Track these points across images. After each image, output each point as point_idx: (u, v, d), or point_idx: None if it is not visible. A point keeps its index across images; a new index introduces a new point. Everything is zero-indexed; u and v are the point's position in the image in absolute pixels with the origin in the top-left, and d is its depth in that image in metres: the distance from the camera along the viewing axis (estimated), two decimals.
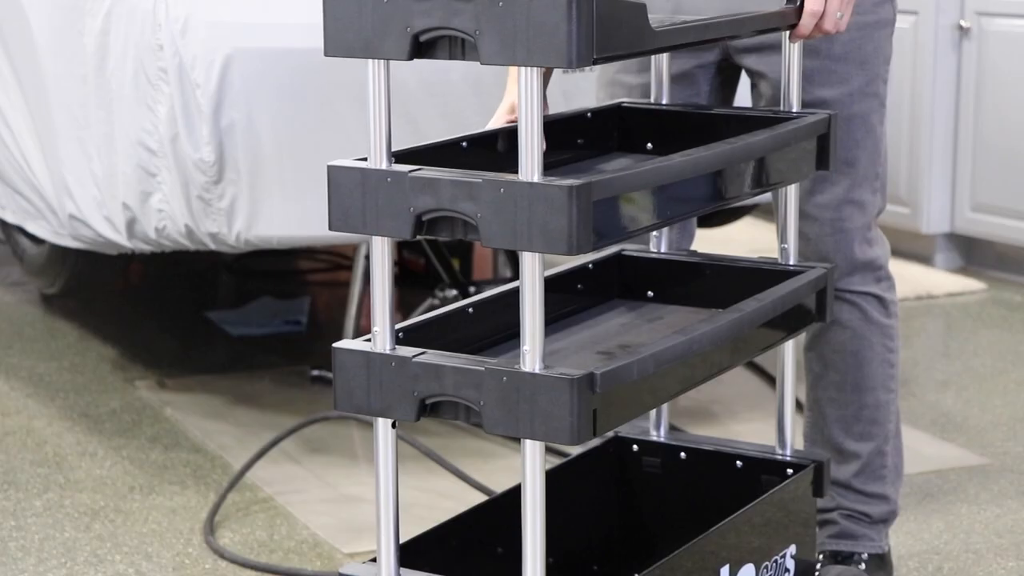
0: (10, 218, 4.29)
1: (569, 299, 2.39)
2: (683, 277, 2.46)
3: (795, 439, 2.52)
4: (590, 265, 2.43)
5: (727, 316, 2.14)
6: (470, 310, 2.18)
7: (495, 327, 2.19)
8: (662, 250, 2.51)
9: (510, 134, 2.17)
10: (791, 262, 2.44)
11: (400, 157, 2.00)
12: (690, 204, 2.12)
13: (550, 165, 1.86)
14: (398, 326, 2.01)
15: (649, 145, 2.44)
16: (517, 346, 1.87)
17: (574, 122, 2.40)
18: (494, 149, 2.22)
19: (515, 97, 2.30)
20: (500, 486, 3.07)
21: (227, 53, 3.33)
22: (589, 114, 2.42)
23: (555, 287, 2.32)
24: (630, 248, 2.52)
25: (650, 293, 2.46)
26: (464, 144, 2.19)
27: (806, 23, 2.32)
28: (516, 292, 1.92)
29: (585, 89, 3.39)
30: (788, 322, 2.32)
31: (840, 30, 2.35)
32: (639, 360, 1.94)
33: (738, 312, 2.16)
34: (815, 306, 2.39)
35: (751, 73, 2.63)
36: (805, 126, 2.31)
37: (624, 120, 2.47)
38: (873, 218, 2.67)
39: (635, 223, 1.95)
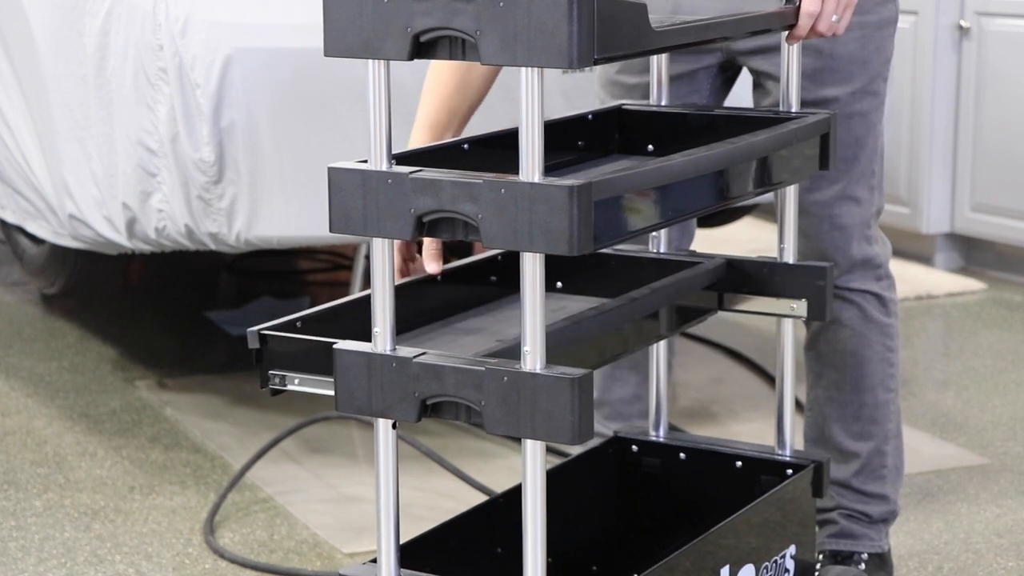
0: (10, 218, 4.29)
1: (565, 299, 2.39)
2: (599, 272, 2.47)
3: (795, 439, 2.52)
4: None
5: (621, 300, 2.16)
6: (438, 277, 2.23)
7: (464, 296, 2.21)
8: (661, 251, 2.51)
9: (509, 136, 2.18)
10: (790, 261, 2.44)
11: (400, 159, 2.00)
12: (691, 204, 2.12)
13: (551, 167, 1.86)
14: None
15: (650, 147, 2.44)
16: (484, 313, 1.87)
17: (574, 124, 2.40)
18: (494, 150, 2.22)
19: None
20: (500, 486, 3.07)
21: (227, 53, 3.33)
22: (590, 116, 2.42)
23: (552, 284, 2.32)
24: (628, 248, 2.52)
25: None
26: (465, 146, 2.19)
27: (803, 24, 2.32)
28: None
29: (586, 89, 3.39)
30: (677, 315, 2.35)
31: (837, 33, 2.34)
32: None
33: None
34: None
35: (757, 74, 2.63)
36: (807, 126, 2.31)
37: (625, 122, 2.47)
38: (872, 216, 2.67)
39: (636, 224, 1.96)
